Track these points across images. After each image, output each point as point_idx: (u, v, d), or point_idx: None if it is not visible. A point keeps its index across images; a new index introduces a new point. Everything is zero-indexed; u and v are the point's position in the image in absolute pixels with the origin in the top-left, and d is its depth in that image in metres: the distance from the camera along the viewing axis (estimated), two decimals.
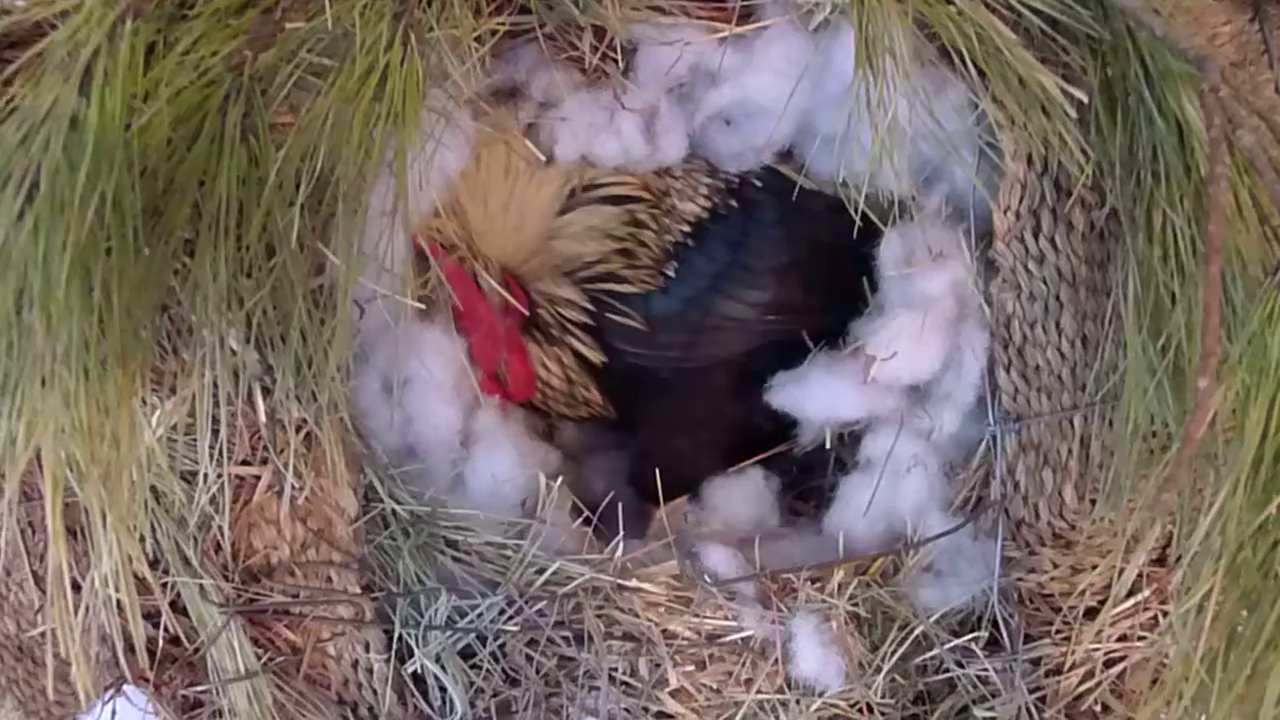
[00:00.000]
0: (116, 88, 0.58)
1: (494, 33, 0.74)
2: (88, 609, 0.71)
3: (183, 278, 0.66)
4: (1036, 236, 0.79)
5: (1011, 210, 0.77)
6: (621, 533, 0.78)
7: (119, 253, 0.57)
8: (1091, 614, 0.79)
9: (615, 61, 0.76)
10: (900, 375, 0.83)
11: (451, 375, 0.83)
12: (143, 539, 0.78)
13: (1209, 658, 0.59)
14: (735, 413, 0.89)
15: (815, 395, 0.85)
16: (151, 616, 0.79)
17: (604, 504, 0.81)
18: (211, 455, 0.72)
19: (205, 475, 0.72)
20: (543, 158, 0.83)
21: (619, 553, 0.77)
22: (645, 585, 0.79)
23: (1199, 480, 0.73)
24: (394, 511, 0.79)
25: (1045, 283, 0.79)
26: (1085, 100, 0.68)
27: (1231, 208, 0.62)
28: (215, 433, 0.73)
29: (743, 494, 0.90)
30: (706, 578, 0.80)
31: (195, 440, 0.73)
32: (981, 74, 0.71)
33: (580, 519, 0.82)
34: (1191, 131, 0.64)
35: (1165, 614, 0.76)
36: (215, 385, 0.69)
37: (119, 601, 0.73)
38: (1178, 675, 0.58)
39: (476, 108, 0.80)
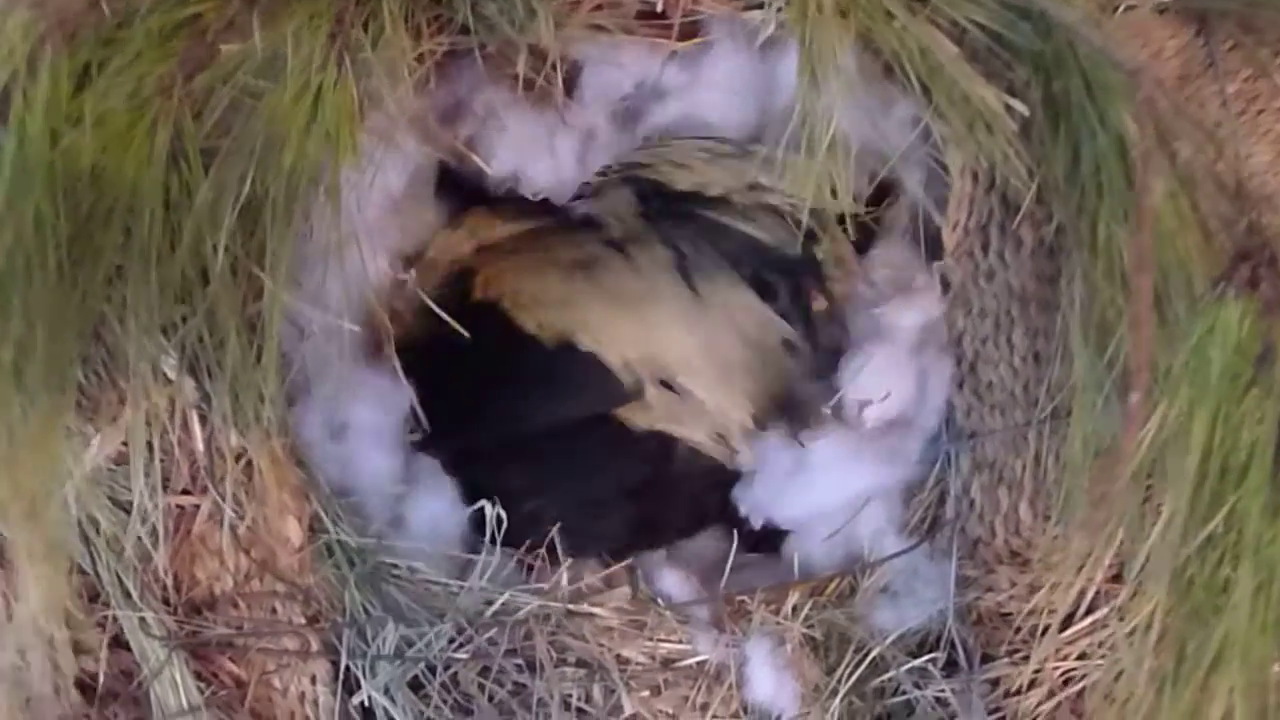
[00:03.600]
0: (38, 113, 0.57)
1: (434, 52, 0.73)
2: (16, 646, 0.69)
3: (116, 304, 0.65)
4: (986, 252, 0.79)
5: (960, 226, 0.76)
6: (567, 560, 0.77)
7: (41, 280, 0.56)
8: (1050, 633, 0.78)
9: (556, 80, 0.75)
10: (888, 413, 0.82)
11: (392, 424, 0.82)
12: (83, 572, 0.77)
13: (1159, 677, 0.58)
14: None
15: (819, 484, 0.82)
16: (94, 651, 0.77)
17: (553, 530, 0.79)
18: (149, 485, 0.70)
19: (142, 506, 0.70)
20: (490, 171, 0.82)
21: (564, 580, 0.76)
22: (597, 610, 0.78)
23: (1153, 495, 0.73)
24: (339, 541, 0.77)
25: (995, 298, 0.79)
26: (1028, 114, 0.68)
27: (1172, 220, 0.62)
28: (155, 462, 0.72)
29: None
30: (659, 601, 0.80)
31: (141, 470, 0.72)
32: (926, 90, 0.71)
33: (527, 546, 0.80)
34: (1132, 145, 0.64)
35: (1131, 630, 0.75)
36: (151, 414, 0.68)
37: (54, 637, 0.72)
38: (1123, 696, 0.57)
39: (423, 128, 0.80)
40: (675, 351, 0.77)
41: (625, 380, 0.77)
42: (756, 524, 0.83)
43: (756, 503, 0.83)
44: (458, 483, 0.83)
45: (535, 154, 0.83)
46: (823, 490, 0.82)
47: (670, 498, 0.81)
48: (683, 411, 0.78)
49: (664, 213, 0.79)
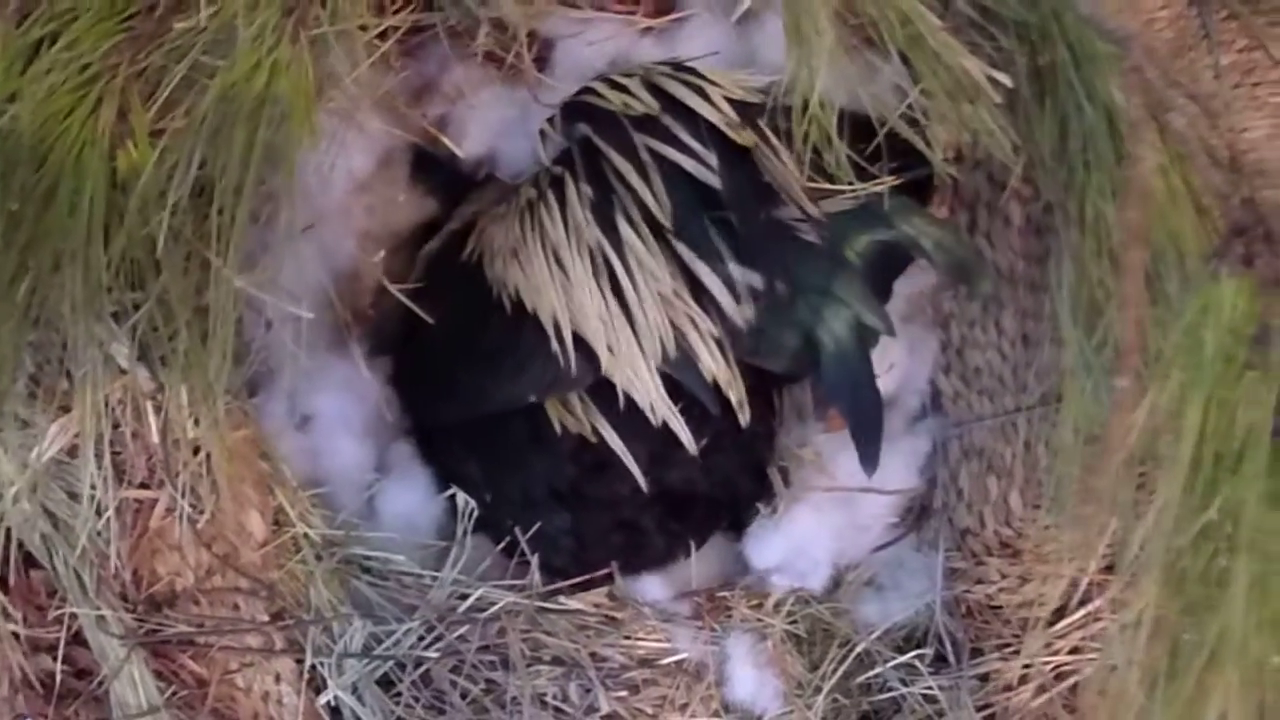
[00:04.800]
0: None
1: (397, 28, 0.71)
2: None
3: (62, 289, 0.62)
4: (973, 232, 0.77)
5: (945, 205, 0.74)
6: (539, 554, 0.74)
7: None
8: (1041, 626, 0.76)
9: (525, 57, 0.72)
10: (887, 388, 0.77)
11: (362, 412, 0.80)
12: (40, 567, 0.74)
13: (1152, 673, 0.55)
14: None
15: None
16: (52, 649, 0.75)
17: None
18: (102, 477, 0.68)
19: (96, 499, 0.68)
20: (460, 152, 0.79)
21: (536, 575, 0.74)
22: (571, 604, 0.76)
23: (1147, 482, 0.71)
24: (305, 534, 0.75)
25: None
26: (1011, 85, 0.65)
27: (1164, 195, 0.59)
28: (110, 454, 0.70)
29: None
30: (638, 597, 0.77)
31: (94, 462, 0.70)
32: (908, 62, 0.69)
33: (502, 544, 0.78)
34: (1121, 118, 0.61)
35: (1123, 625, 0.73)
36: (103, 404, 0.66)
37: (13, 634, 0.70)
38: (1115, 693, 0.54)
39: (390, 108, 0.77)
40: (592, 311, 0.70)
41: (561, 358, 0.71)
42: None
43: None
44: (432, 470, 0.81)
45: (509, 134, 0.81)
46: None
47: (601, 513, 0.76)
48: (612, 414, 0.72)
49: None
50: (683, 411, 0.71)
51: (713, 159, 0.67)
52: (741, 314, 0.67)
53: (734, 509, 0.80)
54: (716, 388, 0.69)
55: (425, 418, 0.82)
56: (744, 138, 0.67)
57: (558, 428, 0.73)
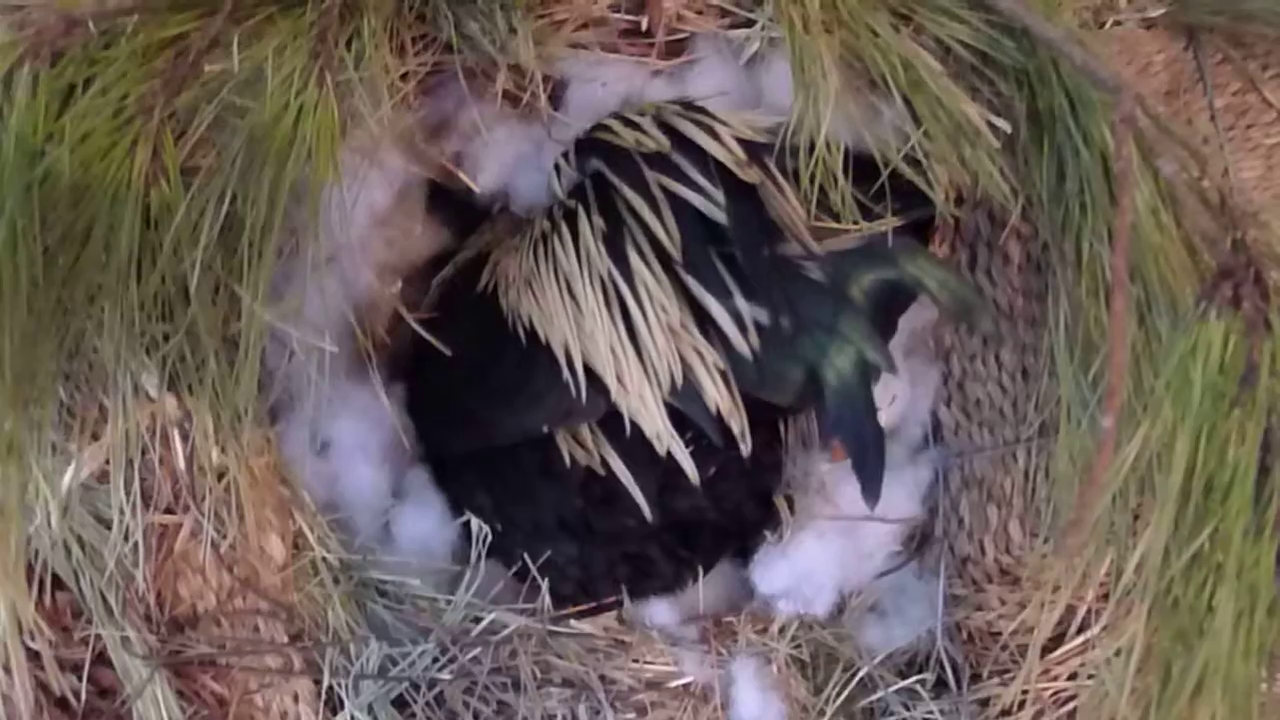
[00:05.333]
0: (13, 132, 0.57)
1: (418, 71, 0.73)
2: None
3: (96, 322, 0.65)
4: (973, 269, 0.79)
5: (945, 243, 0.76)
6: (548, 580, 0.76)
7: (11, 300, 0.56)
8: (1040, 652, 0.77)
9: (540, 96, 0.75)
10: (890, 420, 0.80)
11: (380, 439, 0.81)
12: (67, 589, 0.76)
13: (1143, 700, 0.57)
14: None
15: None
16: (78, 669, 0.77)
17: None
18: (130, 502, 0.70)
19: (124, 524, 0.70)
20: (475, 187, 0.82)
21: (547, 599, 0.75)
22: (581, 627, 0.77)
23: (1143, 512, 0.72)
24: (324, 558, 0.77)
25: None
26: (1010, 130, 0.67)
27: (1156, 238, 0.61)
28: (138, 480, 0.72)
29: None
30: (646, 621, 0.79)
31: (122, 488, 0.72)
32: (910, 106, 0.71)
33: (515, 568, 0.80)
34: (1115, 163, 0.63)
35: (1115, 651, 0.74)
36: (133, 431, 0.68)
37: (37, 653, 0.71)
38: (1109, 718, 0.56)
39: (409, 145, 0.80)
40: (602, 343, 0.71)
41: (573, 389, 0.72)
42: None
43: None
44: (447, 496, 0.83)
45: (523, 169, 0.82)
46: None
47: (609, 544, 0.78)
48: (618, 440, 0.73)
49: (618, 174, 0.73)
50: (690, 441, 0.72)
51: (720, 196, 0.69)
52: (747, 346, 0.68)
53: (741, 536, 0.82)
54: (720, 418, 0.71)
55: (438, 447, 0.84)
56: (750, 175, 0.69)
57: (567, 460, 0.75)
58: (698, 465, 0.72)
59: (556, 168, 0.78)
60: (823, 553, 0.77)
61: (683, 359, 0.70)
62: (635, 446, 0.73)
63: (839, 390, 0.68)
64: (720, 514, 0.78)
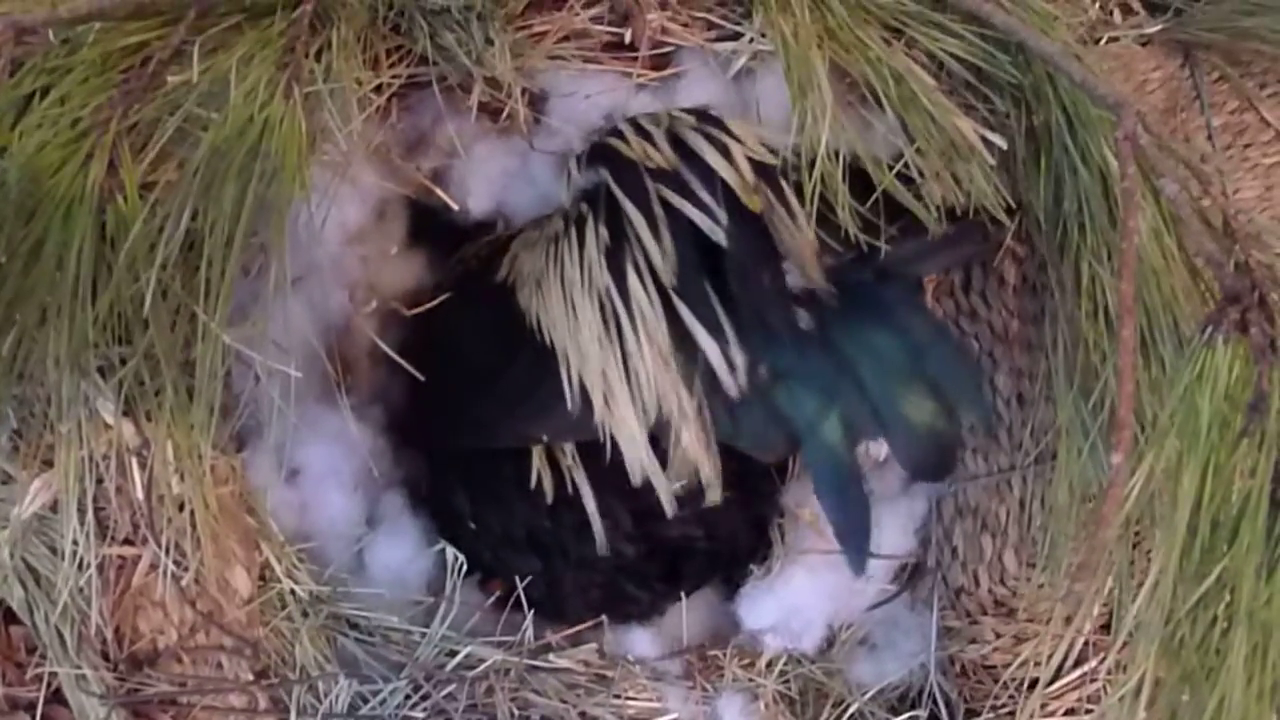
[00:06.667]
0: None
1: (391, 84, 0.71)
2: None
3: (48, 343, 0.62)
4: (968, 292, 0.77)
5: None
6: (532, 611, 0.73)
7: None
8: (1036, 686, 0.74)
9: (519, 108, 0.72)
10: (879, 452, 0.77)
11: (352, 465, 0.78)
12: (20, 623, 0.73)
13: None
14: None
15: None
16: (31, 708, 0.74)
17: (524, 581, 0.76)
18: (85, 534, 0.67)
19: (79, 555, 0.67)
20: (455, 205, 0.79)
21: (530, 632, 0.73)
22: (560, 662, 0.74)
23: (1143, 542, 0.70)
24: (292, 591, 0.74)
25: (978, 340, 0.77)
26: (1005, 147, 0.65)
27: (1159, 260, 0.59)
28: (96, 510, 0.68)
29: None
30: (629, 656, 0.76)
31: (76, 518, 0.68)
32: (903, 123, 0.69)
33: (492, 598, 0.77)
34: (1115, 181, 0.61)
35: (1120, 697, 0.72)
36: (88, 459, 0.65)
37: None
38: None
39: (385, 161, 0.77)
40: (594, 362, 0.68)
41: (572, 405, 0.69)
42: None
43: None
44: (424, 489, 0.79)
45: (512, 185, 0.80)
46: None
47: (580, 570, 0.75)
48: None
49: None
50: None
51: (723, 217, 0.65)
52: (734, 386, 0.65)
53: (733, 564, 0.79)
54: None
55: (427, 440, 0.81)
56: (754, 202, 0.65)
57: (534, 478, 0.73)
58: (689, 495, 0.69)
59: (568, 172, 0.75)
60: (813, 587, 0.74)
61: (668, 389, 0.67)
62: (610, 474, 0.70)
63: (820, 455, 0.65)
64: (712, 541, 0.75)
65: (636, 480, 0.69)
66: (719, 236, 0.65)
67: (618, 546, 0.74)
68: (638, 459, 0.68)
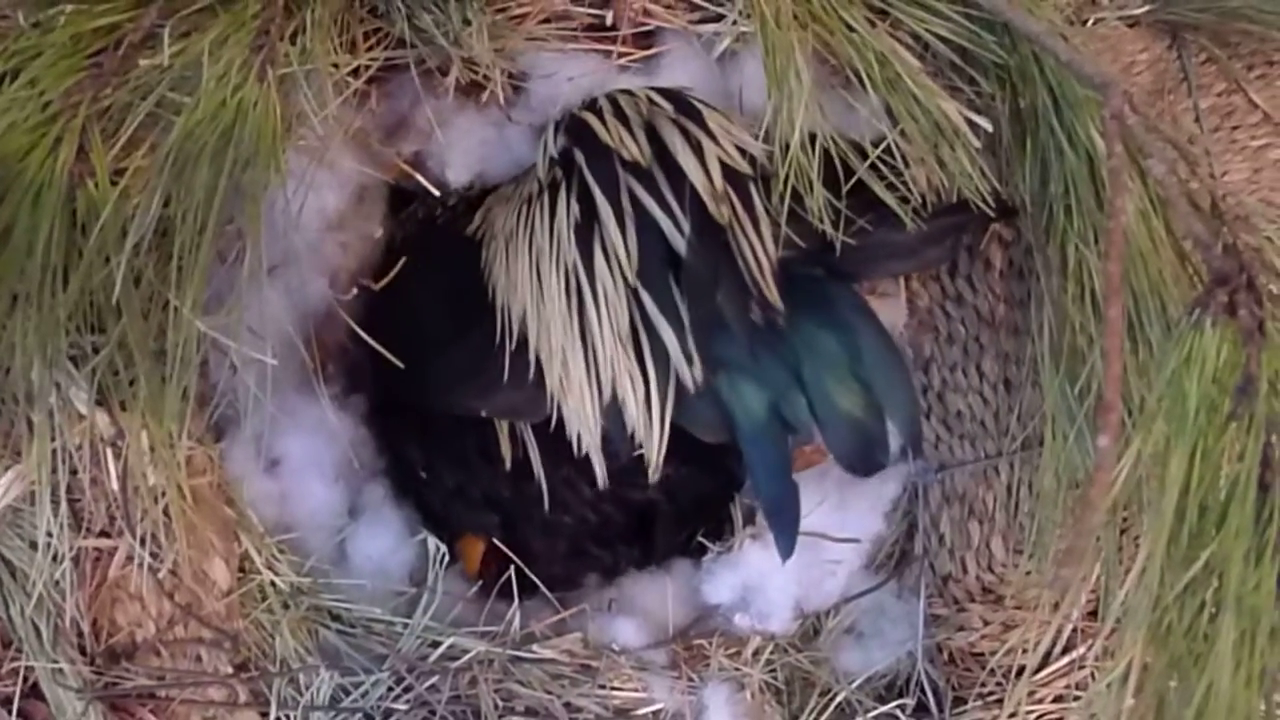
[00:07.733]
0: None
1: (368, 66, 0.69)
2: None
3: (18, 332, 0.60)
4: (953, 276, 0.76)
5: None
6: (518, 600, 0.73)
7: None
8: (1024, 673, 0.74)
9: (498, 88, 0.71)
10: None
11: (333, 454, 0.78)
12: None
13: None
14: None
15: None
16: (7, 703, 0.73)
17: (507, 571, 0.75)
18: (59, 525, 0.66)
19: (54, 548, 0.66)
20: (435, 190, 0.78)
21: (516, 622, 0.72)
22: (546, 653, 0.74)
23: (1131, 528, 0.70)
24: (272, 582, 0.73)
25: (964, 324, 0.76)
26: (991, 129, 0.65)
27: (1146, 243, 0.59)
28: (70, 501, 0.67)
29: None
30: (614, 646, 0.75)
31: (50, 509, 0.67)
32: (887, 105, 0.68)
33: (475, 586, 0.76)
34: (1102, 163, 0.60)
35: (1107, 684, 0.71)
36: (61, 450, 0.64)
37: None
38: None
39: (364, 145, 0.76)
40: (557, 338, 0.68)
41: (522, 381, 0.70)
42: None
43: None
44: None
45: (490, 155, 0.78)
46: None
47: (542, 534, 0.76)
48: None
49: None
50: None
51: (687, 228, 0.65)
52: (690, 377, 0.65)
53: (696, 524, 0.80)
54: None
55: (383, 386, 0.80)
56: (720, 214, 0.65)
57: (498, 447, 0.74)
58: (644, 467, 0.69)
59: (544, 142, 0.74)
60: (775, 567, 0.73)
61: (621, 372, 0.67)
62: (558, 443, 0.71)
63: (752, 436, 0.65)
64: (675, 505, 0.77)
65: (579, 454, 0.69)
66: (679, 245, 0.65)
67: (581, 513, 0.75)
68: (585, 433, 0.68)
